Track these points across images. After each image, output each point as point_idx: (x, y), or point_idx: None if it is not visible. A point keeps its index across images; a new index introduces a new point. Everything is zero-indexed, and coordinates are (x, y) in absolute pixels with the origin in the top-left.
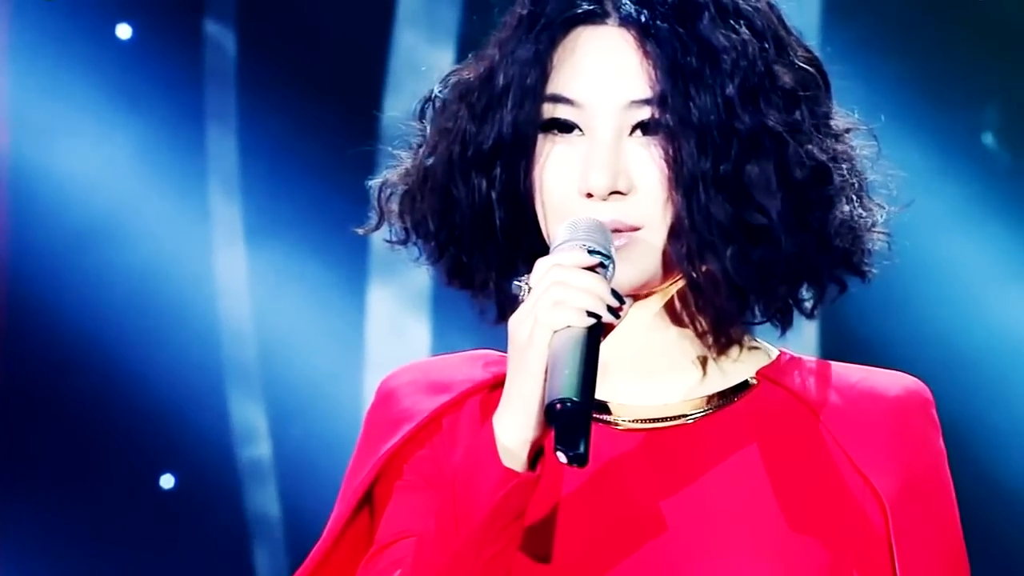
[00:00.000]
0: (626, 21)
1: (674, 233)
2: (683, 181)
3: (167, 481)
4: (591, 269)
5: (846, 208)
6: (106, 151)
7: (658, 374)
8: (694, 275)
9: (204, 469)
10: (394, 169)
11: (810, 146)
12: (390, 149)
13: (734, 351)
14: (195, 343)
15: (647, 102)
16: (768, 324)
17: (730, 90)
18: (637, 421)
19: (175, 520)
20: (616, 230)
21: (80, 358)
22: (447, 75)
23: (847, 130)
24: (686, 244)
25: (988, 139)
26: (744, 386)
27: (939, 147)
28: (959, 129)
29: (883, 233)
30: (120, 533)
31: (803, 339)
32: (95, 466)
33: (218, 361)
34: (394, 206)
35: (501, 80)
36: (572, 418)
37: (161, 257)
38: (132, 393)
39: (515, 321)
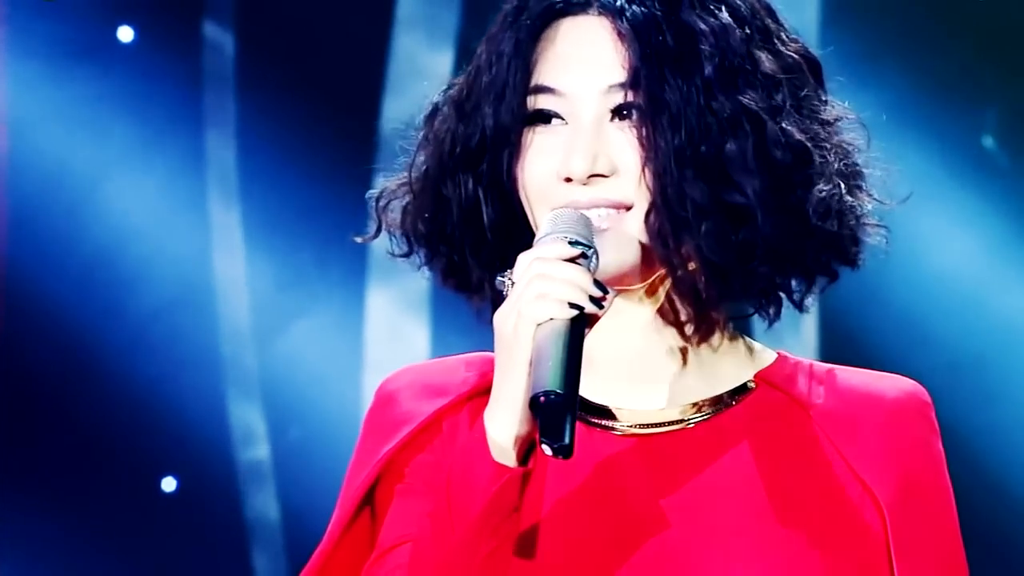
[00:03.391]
0: (605, 9)
1: (650, 213)
2: (656, 160)
3: (169, 484)
4: (573, 260)
5: (827, 189)
6: (106, 153)
7: (657, 377)
8: (670, 256)
9: (205, 472)
10: (391, 179)
11: (790, 127)
12: (390, 156)
13: (733, 353)
14: (195, 346)
15: (623, 85)
16: (757, 317)
17: (708, 71)
18: (636, 426)
19: (176, 523)
20: (601, 207)
21: (80, 362)
22: (448, 85)
23: (837, 119)
24: (660, 222)
25: (988, 141)
26: (743, 389)
27: (939, 149)
28: (959, 131)
29: (876, 225)
30: (123, 536)
31: (803, 340)
32: (97, 470)
33: (218, 364)
34: (391, 214)
35: (486, 76)
36: (556, 410)
37: (160, 259)
38: (133, 396)
39: (499, 316)
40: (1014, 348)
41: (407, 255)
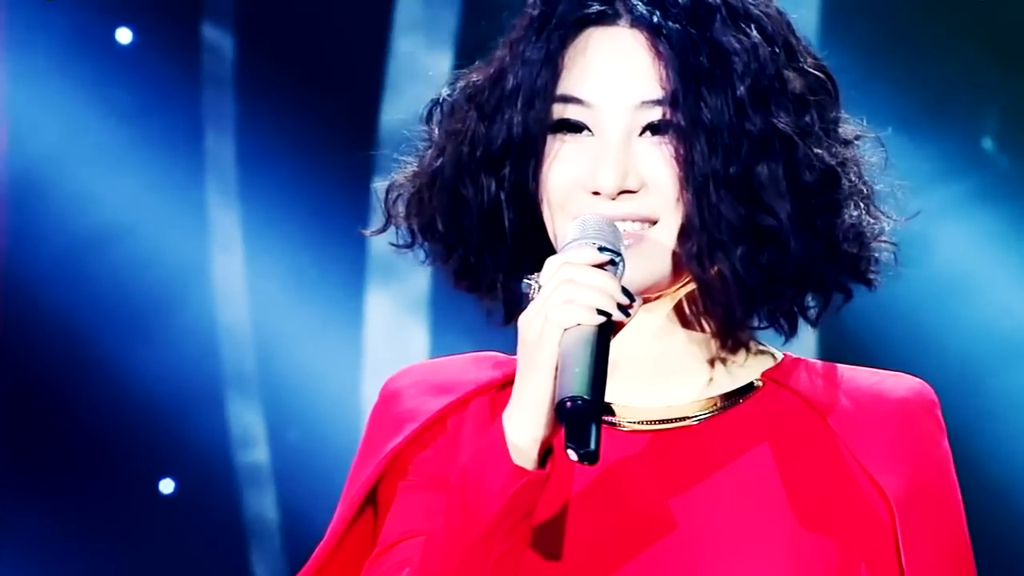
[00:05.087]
0: (638, 22)
1: (684, 232)
2: (694, 180)
3: (167, 486)
4: (601, 267)
5: (854, 214)
6: (104, 155)
7: (664, 377)
8: (703, 275)
9: (203, 474)
10: (400, 172)
11: (819, 150)
12: (394, 153)
13: (740, 354)
14: (193, 348)
15: (658, 102)
16: (771, 330)
17: (741, 91)
18: (642, 423)
19: (175, 525)
20: (628, 221)
21: (78, 362)
22: (455, 79)
23: (856, 137)
24: (696, 243)
25: (988, 143)
26: (749, 388)
27: (939, 151)
28: (959, 133)
29: (889, 243)
30: (121, 538)
31: (803, 342)
32: (95, 471)
33: (216, 366)
34: (401, 208)
35: (511, 81)
36: (582, 416)
37: (159, 261)
38: (131, 398)
39: (525, 319)
40: (1013, 348)
41: (409, 247)
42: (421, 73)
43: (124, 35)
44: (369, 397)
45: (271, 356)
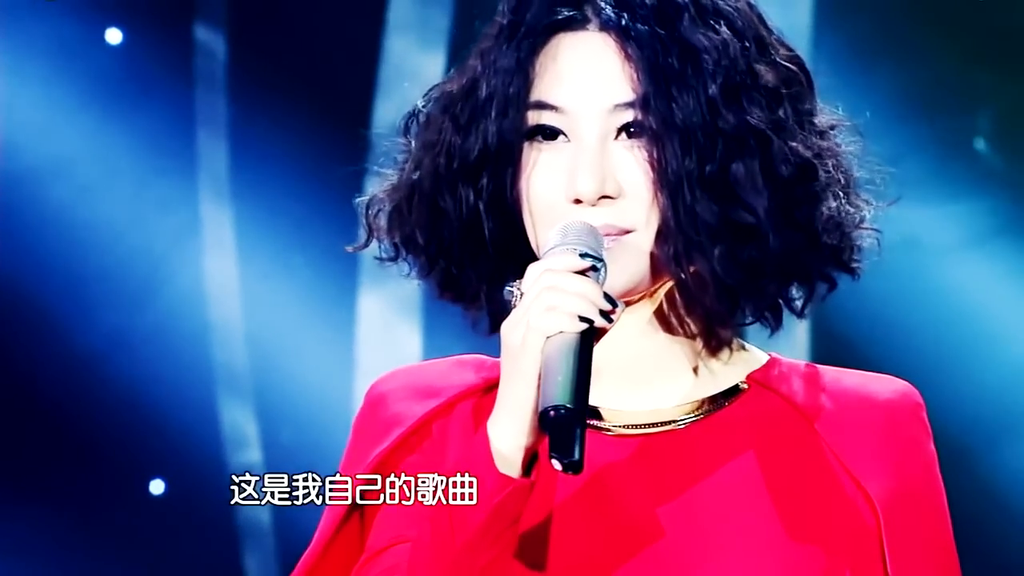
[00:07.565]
0: (607, 25)
1: (661, 235)
2: (668, 182)
3: (157, 487)
4: (583, 273)
5: (833, 204)
6: (96, 155)
7: (649, 379)
8: (683, 276)
9: (194, 475)
10: (381, 185)
11: (794, 143)
12: (376, 166)
13: (724, 355)
14: (185, 348)
15: (630, 105)
16: (758, 325)
17: (712, 90)
18: (629, 427)
19: (165, 526)
20: (606, 234)
21: (70, 363)
22: (430, 90)
23: (832, 127)
24: (673, 245)
25: (980, 144)
26: (735, 391)
27: (931, 152)
28: (952, 134)
29: (871, 229)
30: (110, 539)
31: (794, 343)
32: (84, 471)
33: (209, 366)
34: (382, 222)
35: (484, 90)
36: (566, 425)
37: (152, 262)
38: (122, 398)
39: (508, 327)
40: (1006, 349)
41: (394, 259)
42: (413, 74)
43: (114, 36)
44: (361, 398)
45: (263, 357)
